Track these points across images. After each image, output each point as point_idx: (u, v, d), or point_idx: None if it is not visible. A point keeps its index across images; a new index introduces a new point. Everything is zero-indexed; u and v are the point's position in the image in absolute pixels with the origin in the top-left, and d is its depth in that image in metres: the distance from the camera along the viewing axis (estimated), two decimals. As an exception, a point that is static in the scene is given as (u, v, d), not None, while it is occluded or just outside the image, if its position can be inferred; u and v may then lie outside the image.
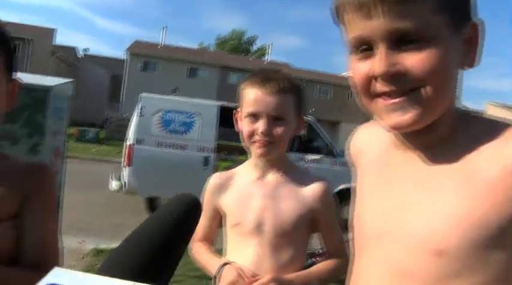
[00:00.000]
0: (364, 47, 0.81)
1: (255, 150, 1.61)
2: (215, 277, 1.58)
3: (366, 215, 0.95)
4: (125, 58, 38.35)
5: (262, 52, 58.67)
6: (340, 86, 42.34)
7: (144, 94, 8.25)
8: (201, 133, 8.12)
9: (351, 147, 1.11)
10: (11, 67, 1.13)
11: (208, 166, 8.11)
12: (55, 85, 3.80)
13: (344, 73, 49.69)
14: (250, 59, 47.69)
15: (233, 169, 1.78)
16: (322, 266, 1.66)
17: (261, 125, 1.56)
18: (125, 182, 8.03)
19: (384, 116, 0.83)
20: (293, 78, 1.66)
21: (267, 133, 1.56)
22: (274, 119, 1.57)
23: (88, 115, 32.23)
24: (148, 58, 37.74)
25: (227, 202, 1.69)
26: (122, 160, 8.51)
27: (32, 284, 0.96)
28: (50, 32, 34.58)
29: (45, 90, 3.53)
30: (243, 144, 1.65)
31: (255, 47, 64.60)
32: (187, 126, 8.09)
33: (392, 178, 0.91)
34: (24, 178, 1.17)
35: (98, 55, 48.63)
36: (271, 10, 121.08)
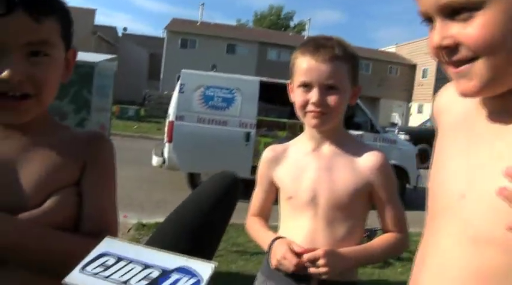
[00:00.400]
0: (429, 20, 0.82)
1: (308, 121, 1.56)
2: (267, 252, 1.57)
3: (444, 176, 0.90)
4: (164, 36, 38.57)
5: (300, 27, 58.11)
6: (379, 61, 41.57)
7: (184, 71, 8.22)
8: (241, 108, 8.07)
9: (433, 107, 1.06)
10: (67, 36, 1.11)
11: (250, 142, 8.10)
12: (100, 62, 3.84)
13: (383, 48, 48.73)
14: (290, 34, 47.19)
15: (288, 142, 1.74)
16: (379, 241, 1.60)
17: (313, 95, 1.50)
18: (166, 158, 8.11)
19: (455, 82, 0.83)
20: (347, 44, 1.57)
21: (320, 103, 1.50)
22: (327, 88, 1.50)
23: (128, 93, 32.75)
24: (186, 35, 37.85)
25: (281, 175, 1.65)
26: (163, 136, 8.60)
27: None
28: (90, 13, 35.09)
29: (91, 66, 3.58)
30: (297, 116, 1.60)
31: (292, 23, 63.95)
32: (228, 102, 8.06)
33: (472, 139, 0.86)
34: (84, 146, 1.16)
35: (136, 34, 49.11)
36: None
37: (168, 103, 9.11)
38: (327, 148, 1.60)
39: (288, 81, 1.63)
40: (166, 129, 8.27)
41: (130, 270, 0.70)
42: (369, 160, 1.56)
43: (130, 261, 0.71)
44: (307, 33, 44.98)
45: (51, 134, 1.15)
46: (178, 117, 7.95)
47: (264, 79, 8.73)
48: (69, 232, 1.08)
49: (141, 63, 39.90)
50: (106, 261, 0.72)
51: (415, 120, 35.20)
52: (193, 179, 8.31)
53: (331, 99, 1.50)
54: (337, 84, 1.50)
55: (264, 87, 8.47)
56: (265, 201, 1.75)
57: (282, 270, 1.51)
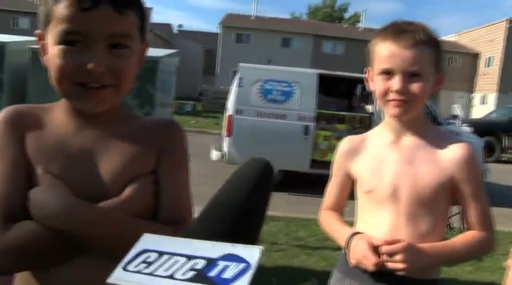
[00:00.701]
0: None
1: (389, 110, 1.46)
2: (344, 248, 1.50)
3: None
4: (219, 31, 38.93)
5: (355, 19, 57.16)
6: (439, 51, 40.23)
7: (242, 65, 8.23)
8: (300, 102, 8.00)
9: None
10: (144, 30, 1.13)
11: (309, 135, 8.03)
12: (163, 57, 3.86)
13: (443, 37, 47.19)
14: (344, 26, 46.52)
15: (366, 132, 1.65)
16: (463, 239, 1.48)
17: (395, 82, 1.41)
18: (225, 153, 8.16)
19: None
20: (430, 29, 1.46)
21: (403, 91, 1.40)
22: (410, 75, 1.41)
23: (185, 88, 33.30)
24: (241, 30, 38.08)
25: (359, 167, 1.57)
26: (222, 131, 8.65)
27: None
28: (146, 11, 35.85)
29: (155, 61, 3.60)
30: (379, 103, 1.52)
31: (347, 15, 63.02)
32: (287, 95, 8.01)
33: None
34: (158, 134, 1.18)
35: (191, 30, 49.85)
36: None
37: (224, 98, 9.16)
38: (408, 139, 1.51)
39: (366, 70, 1.55)
40: (225, 123, 8.31)
41: (174, 263, 0.68)
42: (453, 153, 1.46)
43: (173, 255, 0.69)
44: (362, 25, 44.21)
45: (126, 123, 1.18)
46: (237, 111, 7.97)
47: (323, 71, 8.63)
48: (147, 220, 1.09)
49: (196, 59, 40.46)
50: (147, 257, 0.70)
51: (478, 112, 33.92)
52: (252, 173, 8.30)
53: (415, 87, 1.41)
54: (420, 71, 1.41)
55: (323, 80, 8.36)
56: (341, 194, 1.67)
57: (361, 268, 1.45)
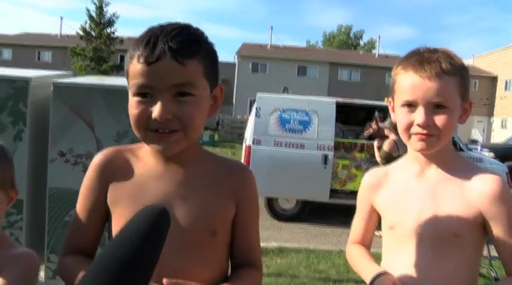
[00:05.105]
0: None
1: (413, 145, 1.39)
2: None
3: None
4: (235, 61, 39.33)
5: (370, 45, 57.42)
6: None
7: (260, 94, 8.26)
8: (319, 131, 7.97)
9: None
10: (212, 75, 1.20)
11: (328, 165, 7.96)
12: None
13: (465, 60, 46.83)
14: (360, 53, 46.71)
15: (391, 165, 1.60)
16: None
17: (419, 115, 1.34)
18: (244, 183, 8.11)
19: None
20: (454, 55, 1.39)
21: (427, 124, 1.33)
22: (434, 107, 1.33)
23: (202, 118, 33.41)
24: (257, 59, 38.43)
25: (382, 201, 1.51)
26: (241, 160, 8.63)
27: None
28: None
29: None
30: (400, 136, 1.44)
31: (362, 42, 63.37)
32: (305, 124, 7.98)
33: None
34: (235, 182, 1.28)
35: (209, 60, 50.37)
36: (375, 1, 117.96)
37: (241, 127, 9.17)
38: (433, 172, 1.43)
39: (389, 100, 1.50)
40: (243, 153, 8.30)
41: None
42: (480, 186, 1.35)
43: None
44: (377, 51, 44.35)
45: (204, 166, 1.27)
46: (255, 141, 7.96)
47: (340, 100, 8.61)
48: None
49: (213, 89, 40.77)
50: None
51: (499, 136, 33.43)
52: (271, 204, 8.25)
53: (439, 119, 1.33)
54: (445, 102, 1.33)
55: (340, 108, 8.34)
56: (366, 228, 1.61)
57: None
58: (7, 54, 40.81)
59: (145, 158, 1.26)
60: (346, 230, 6.37)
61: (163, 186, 1.21)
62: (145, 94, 1.12)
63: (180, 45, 1.10)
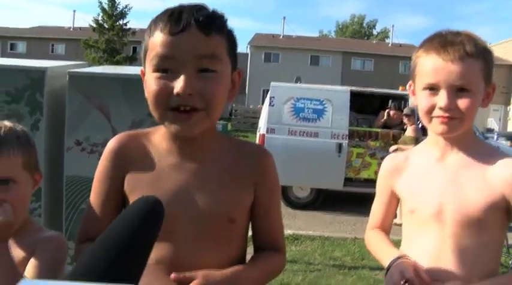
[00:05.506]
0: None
1: (434, 128, 1.37)
2: (387, 270, 1.40)
3: None
4: (248, 51, 39.24)
5: (384, 35, 56.86)
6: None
7: (274, 84, 8.25)
8: (333, 119, 7.95)
9: None
10: (234, 56, 1.18)
11: (342, 153, 7.95)
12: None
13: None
14: (373, 42, 46.32)
15: (410, 149, 1.58)
16: None
17: (441, 98, 1.32)
18: (258, 172, 8.12)
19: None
20: (478, 38, 1.37)
21: (449, 107, 1.31)
22: (457, 90, 1.32)
23: (215, 108, 33.45)
24: (269, 49, 38.28)
25: (402, 186, 1.50)
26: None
27: (281, 267, 1.27)
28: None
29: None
30: (422, 120, 1.43)
31: (375, 31, 62.81)
32: (319, 113, 7.96)
33: None
34: (254, 165, 1.24)
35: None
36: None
37: (254, 117, 9.18)
38: (454, 156, 1.41)
39: (409, 83, 1.48)
40: (257, 142, 8.30)
41: None
42: (503, 170, 1.34)
43: None
44: (391, 40, 43.94)
45: (223, 150, 1.24)
46: (269, 130, 7.96)
47: (354, 88, 8.57)
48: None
49: (226, 79, 40.76)
50: None
51: (515, 125, 33.06)
52: (285, 192, 8.26)
53: (462, 103, 1.31)
54: (468, 86, 1.31)
55: (355, 97, 8.30)
56: (386, 214, 1.60)
57: None
58: (22, 47, 41.12)
59: (161, 143, 1.21)
60: (360, 218, 6.38)
61: (181, 173, 1.17)
62: (166, 70, 1.08)
63: (205, 18, 1.08)
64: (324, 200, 8.40)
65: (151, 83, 1.10)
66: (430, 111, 1.36)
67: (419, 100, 1.40)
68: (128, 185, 1.18)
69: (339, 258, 5.54)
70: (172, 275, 1.07)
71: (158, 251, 1.11)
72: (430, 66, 1.35)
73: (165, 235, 1.11)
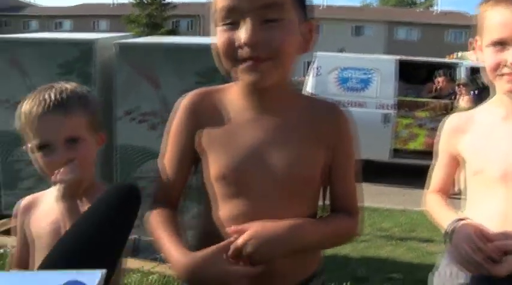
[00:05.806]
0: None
1: (501, 85, 1.30)
2: (447, 233, 1.34)
3: None
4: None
5: (429, 3, 55.05)
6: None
7: (319, 53, 8.12)
8: (379, 89, 7.79)
9: None
10: (302, 7, 1.13)
11: (389, 124, 7.81)
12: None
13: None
14: (418, 11, 44.96)
15: (473, 109, 1.51)
16: None
17: (510, 55, 1.24)
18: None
19: None
20: None
21: None
22: None
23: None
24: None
25: (466, 146, 1.42)
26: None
27: (351, 231, 1.23)
28: None
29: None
30: (487, 79, 1.36)
31: (419, 0, 60.91)
32: (365, 83, 7.82)
33: None
34: (330, 124, 1.18)
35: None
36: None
37: (297, 89, 9.12)
38: None
39: (471, 40, 1.40)
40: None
41: None
42: None
43: None
44: (438, 8, 42.53)
45: (297, 107, 1.18)
46: (315, 100, 7.89)
47: (402, 58, 8.36)
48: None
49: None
50: None
51: None
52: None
53: None
54: None
55: (402, 66, 8.08)
56: (447, 175, 1.53)
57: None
58: (68, 25, 42.12)
59: (236, 99, 1.17)
60: (407, 190, 6.26)
61: (257, 129, 1.14)
62: (231, 23, 1.06)
63: None
64: (371, 172, 8.31)
65: (218, 38, 1.08)
66: (496, 67, 1.29)
67: (485, 56, 1.33)
68: (202, 142, 1.15)
69: (388, 229, 5.48)
70: (231, 228, 1.05)
71: (233, 207, 1.11)
72: (499, 20, 1.27)
73: (240, 191, 1.11)
